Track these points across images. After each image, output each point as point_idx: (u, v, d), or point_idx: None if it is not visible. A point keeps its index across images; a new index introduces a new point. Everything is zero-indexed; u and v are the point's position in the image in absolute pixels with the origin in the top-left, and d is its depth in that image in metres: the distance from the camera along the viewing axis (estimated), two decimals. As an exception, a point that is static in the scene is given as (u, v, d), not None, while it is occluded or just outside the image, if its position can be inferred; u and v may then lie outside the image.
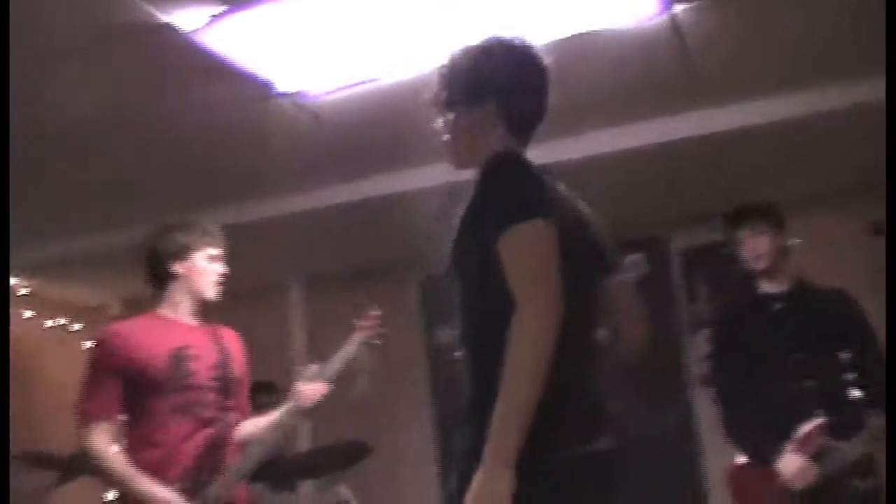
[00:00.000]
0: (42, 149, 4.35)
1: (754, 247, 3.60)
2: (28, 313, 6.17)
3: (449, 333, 6.00)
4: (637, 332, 2.36)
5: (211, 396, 3.22)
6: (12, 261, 5.78)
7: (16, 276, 6.03)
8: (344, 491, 4.76)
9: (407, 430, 6.09)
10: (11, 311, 6.08)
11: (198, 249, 3.32)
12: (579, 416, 2.04)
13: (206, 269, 3.33)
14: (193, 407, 3.18)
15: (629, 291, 2.36)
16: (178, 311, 3.33)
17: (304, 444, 6.25)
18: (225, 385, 3.27)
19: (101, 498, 4.32)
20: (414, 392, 6.16)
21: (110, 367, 3.18)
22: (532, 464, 1.87)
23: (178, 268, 3.31)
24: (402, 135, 4.45)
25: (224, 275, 3.37)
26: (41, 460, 4.64)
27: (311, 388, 3.34)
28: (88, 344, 3.23)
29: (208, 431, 3.19)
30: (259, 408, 3.52)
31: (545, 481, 1.91)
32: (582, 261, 2.08)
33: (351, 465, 4.89)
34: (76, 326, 6.20)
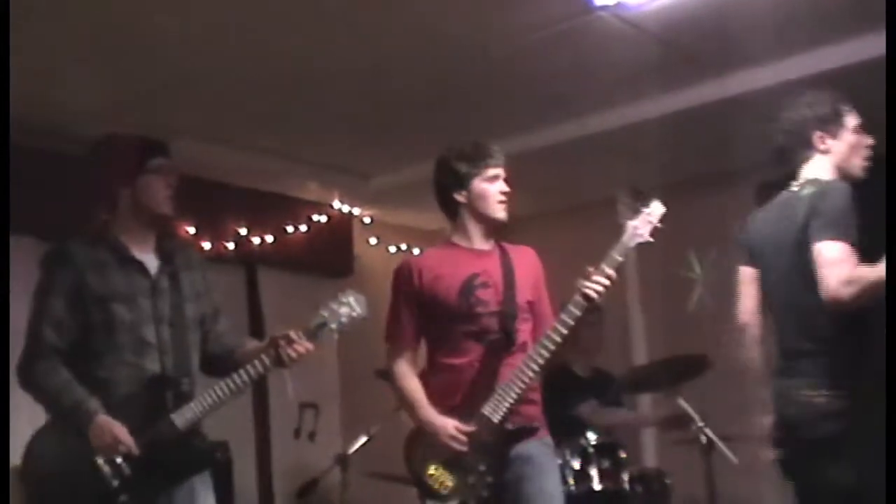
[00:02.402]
0: (376, 87, 4.58)
1: None
2: (373, 240, 6.56)
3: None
4: None
5: (496, 322, 3.29)
6: (357, 192, 6.21)
7: (359, 206, 6.42)
8: (682, 404, 4.71)
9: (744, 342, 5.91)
10: (359, 237, 6.50)
11: (475, 175, 3.33)
12: None
13: (486, 192, 3.33)
14: (481, 333, 3.28)
15: None
16: (470, 237, 3.40)
17: (640, 357, 6.27)
18: (511, 310, 3.30)
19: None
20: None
21: (407, 296, 3.37)
22: None
23: (459, 197, 3.36)
24: (726, 38, 4.31)
25: (505, 193, 3.35)
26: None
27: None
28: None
29: (492, 356, 3.26)
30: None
31: None
32: None
33: (689, 379, 4.84)
34: (416, 250, 6.50)
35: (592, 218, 6.47)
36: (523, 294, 3.35)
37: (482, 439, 3.19)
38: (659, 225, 3.27)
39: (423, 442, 3.30)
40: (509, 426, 3.20)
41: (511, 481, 3.22)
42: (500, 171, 3.36)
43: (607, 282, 3.13)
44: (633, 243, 3.23)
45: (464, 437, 3.18)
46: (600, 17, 4.03)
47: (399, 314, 3.40)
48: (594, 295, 3.11)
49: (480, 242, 3.40)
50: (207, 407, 3.03)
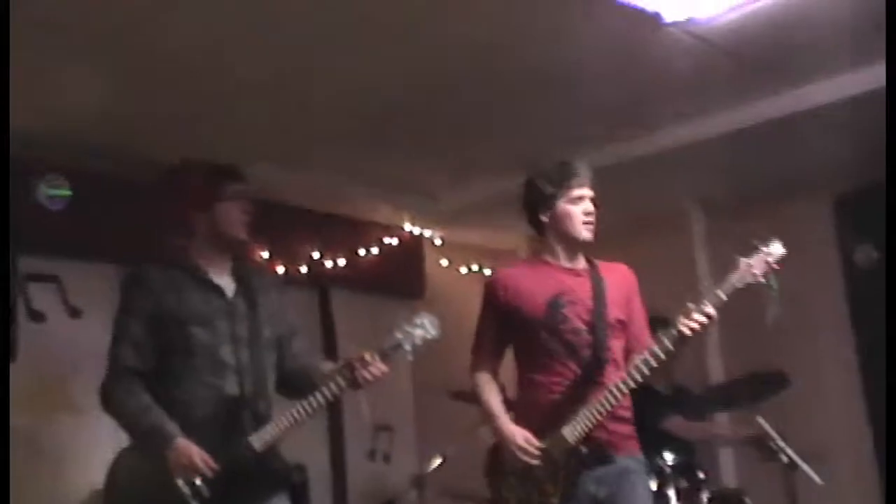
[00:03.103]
0: (444, 105, 4.60)
1: None
2: (444, 262, 6.57)
3: (868, 250, 5.66)
4: None
5: (585, 340, 3.27)
6: (428, 213, 6.24)
7: (431, 226, 6.45)
8: (761, 423, 4.63)
9: (826, 358, 5.80)
10: (429, 260, 6.52)
11: (560, 196, 3.33)
12: None
13: (570, 212, 3.32)
14: (568, 351, 3.26)
15: None
16: (557, 255, 3.40)
17: (717, 375, 6.18)
18: (600, 328, 3.27)
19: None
20: (832, 317, 5.85)
21: (493, 310, 3.40)
22: None
23: (544, 217, 3.37)
24: (794, 51, 4.27)
25: (590, 213, 3.33)
26: (467, 397, 4.92)
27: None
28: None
29: (580, 374, 3.24)
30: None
31: None
32: None
33: (768, 397, 4.76)
34: (488, 271, 6.50)
35: (663, 232, 6.45)
36: (613, 312, 3.33)
37: (554, 457, 3.17)
38: (776, 266, 3.20)
39: (501, 456, 3.30)
40: (584, 449, 3.17)
41: (604, 496, 3.19)
42: (585, 191, 3.35)
43: (706, 320, 3.09)
44: (743, 283, 3.18)
45: (534, 450, 3.17)
46: (671, 33, 4.01)
47: (484, 327, 3.45)
48: (690, 333, 3.07)
49: (568, 261, 3.40)
50: (284, 428, 3.06)
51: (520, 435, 3.21)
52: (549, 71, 4.33)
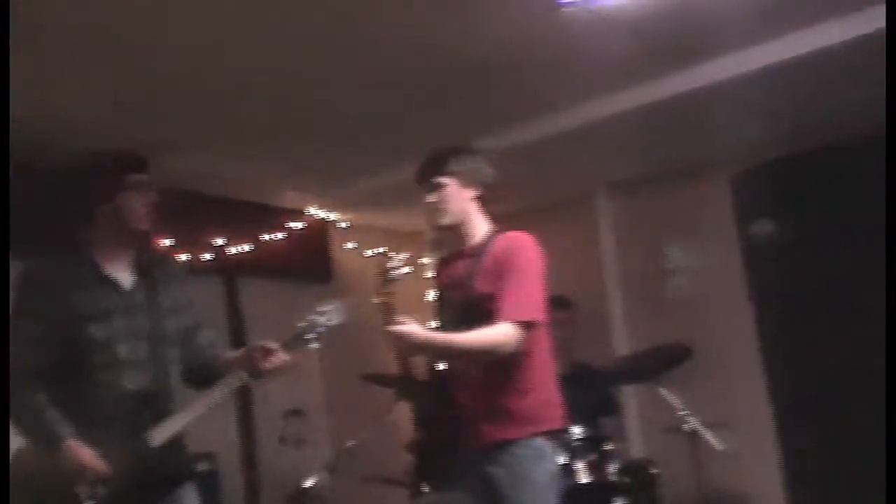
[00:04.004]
0: (353, 90, 4.58)
1: None
2: (350, 244, 6.57)
3: (765, 227, 5.82)
4: None
5: (456, 313, 3.33)
6: (333, 198, 6.22)
7: (337, 210, 6.43)
8: (665, 394, 4.74)
9: (726, 330, 5.96)
10: (337, 243, 6.51)
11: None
12: None
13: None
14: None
15: None
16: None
17: (622, 349, 6.30)
18: (468, 301, 3.31)
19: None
20: (731, 290, 6.01)
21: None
22: None
23: None
24: (694, 29, 4.33)
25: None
26: (379, 380, 4.94)
27: None
28: (406, 269, 3.41)
29: None
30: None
31: None
32: None
33: (672, 368, 4.87)
34: (395, 255, 6.50)
35: (569, 214, 6.54)
36: (481, 286, 3.34)
37: None
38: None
39: None
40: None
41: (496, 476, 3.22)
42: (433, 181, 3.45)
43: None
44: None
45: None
46: (570, 13, 4.04)
47: None
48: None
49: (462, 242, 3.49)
50: (185, 421, 3.03)
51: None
52: (453, 56, 4.34)
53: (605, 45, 4.41)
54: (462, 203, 3.42)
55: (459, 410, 3.30)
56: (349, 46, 4.16)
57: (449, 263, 3.54)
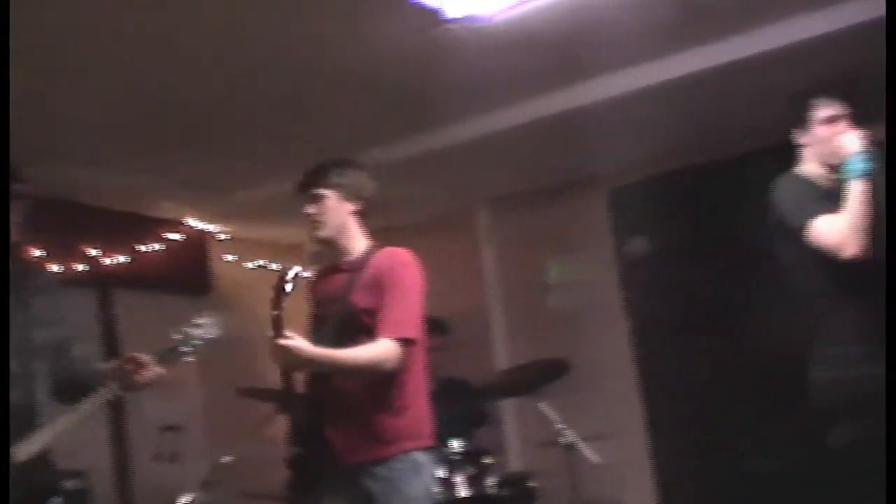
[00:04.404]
0: (234, 100, 4.53)
1: None
2: (229, 257, 6.48)
3: (641, 242, 5.97)
4: None
5: (332, 328, 3.30)
6: (213, 209, 6.13)
7: (216, 222, 6.35)
8: (544, 408, 4.81)
9: (603, 343, 6.08)
10: (217, 255, 6.42)
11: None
12: None
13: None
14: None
15: None
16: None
17: (501, 363, 6.36)
18: (345, 316, 3.30)
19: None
20: (608, 304, 6.13)
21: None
22: None
23: None
24: (574, 49, 4.41)
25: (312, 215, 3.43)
26: (257, 394, 4.88)
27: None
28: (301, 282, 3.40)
29: None
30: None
31: None
32: None
33: (549, 383, 4.94)
34: (275, 266, 6.45)
35: (449, 228, 6.59)
36: (358, 301, 3.33)
37: None
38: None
39: None
40: None
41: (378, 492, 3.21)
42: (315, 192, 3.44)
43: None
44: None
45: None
46: (451, 29, 4.07)
47: None
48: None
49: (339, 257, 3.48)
50: (52, 436, 2.94)
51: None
52: (337, 70, 4.33)
53: (487, 63, 4.45)
54: (341, 216, 3.42)
55: (337, 426, 3.28)
56: (230, 58, 4.12)
57: (325, 277, 3.52)
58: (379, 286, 3.28)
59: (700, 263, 5.56)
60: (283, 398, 4.08)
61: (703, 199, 5.71)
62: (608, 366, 6.03)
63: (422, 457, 3.28)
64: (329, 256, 3.52)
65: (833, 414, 3.21)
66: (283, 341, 3.05)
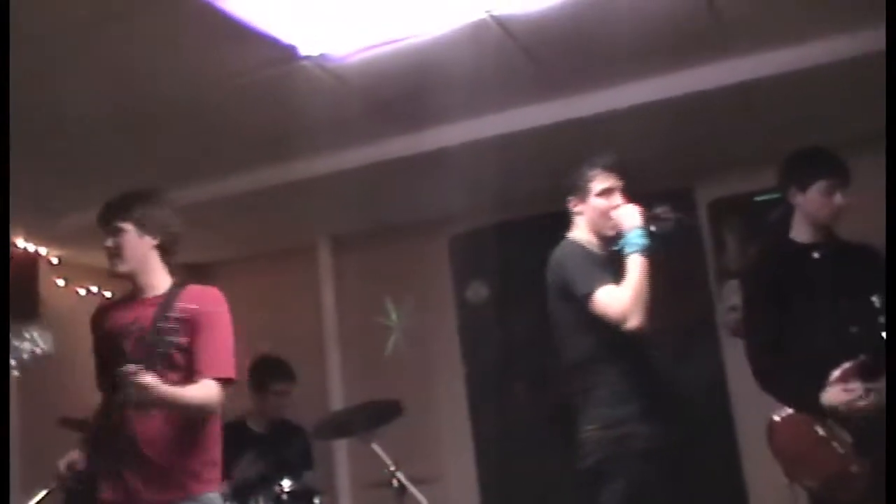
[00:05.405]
0: (68, 123, 4.39)
1: (825, 203, 3.53)
2: (61, 281, 6.25)
3: (479, 289, 6.06)
4: None
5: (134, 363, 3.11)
6: (46, 232, 5.91)
7: (48, 245, 6.12)
8: (376, 449, 4.79)
9: (439, 386, 6.13)
10: (47, 279, 6.19)
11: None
12: None
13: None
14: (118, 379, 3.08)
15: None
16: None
17: (336, 403, 6.32)
18: (152, 355, 3.15)
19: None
20: (445, 349, 6.19)
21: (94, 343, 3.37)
22: None
23: None
24: (426, 93, 4.48)
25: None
26: (79, 425, 4.70)
27: None
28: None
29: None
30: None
31: None
32: None
33: (383, 424, 4.93)
34: (108, 293, 6.26)
35: (290, 265, 6.53)
36: (180, 334, 3.24)
37: None
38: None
39: None
40: None
41: None
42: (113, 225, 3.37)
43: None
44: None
45: None
46: (305, 66, 4.08)
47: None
48: None
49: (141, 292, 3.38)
50: None
51: None
52: (181, 99, 4.26)
53: (337, 102, 4.47)
54: (141, 250, 3.34)
55: (132, 467, 3.15)
56: (69, 80, 3.98)
57: (118, 310, 3.37)
58: (192, 324, 3.21)
59: (526, 312, 5.68)
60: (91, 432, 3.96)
61: (530, 250, 5.85)
62: (442, 408, 6.08)
63: (216, 499, 3.26)
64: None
65: (598, 473, 3.37)
66: (136, 377, 2.95)
